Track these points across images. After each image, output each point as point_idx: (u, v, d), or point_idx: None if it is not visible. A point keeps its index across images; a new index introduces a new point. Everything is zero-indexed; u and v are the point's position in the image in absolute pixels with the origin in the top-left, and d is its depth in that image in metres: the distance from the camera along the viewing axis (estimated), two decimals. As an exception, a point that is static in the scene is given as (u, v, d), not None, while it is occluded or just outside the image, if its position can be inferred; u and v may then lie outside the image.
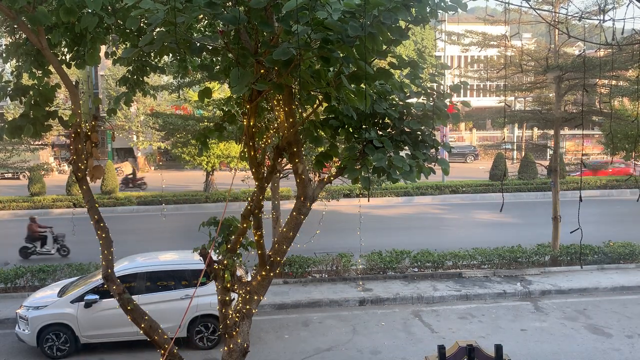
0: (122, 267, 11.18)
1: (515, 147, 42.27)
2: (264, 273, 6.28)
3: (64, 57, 6.86)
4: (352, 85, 4.84)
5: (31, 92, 6.65)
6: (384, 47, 4.77)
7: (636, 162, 27.65)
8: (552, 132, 17.81)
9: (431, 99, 5.90)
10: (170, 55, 6.12)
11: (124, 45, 6.73)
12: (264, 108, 6.52)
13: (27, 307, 11.00)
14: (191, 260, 11.21)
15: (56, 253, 18.25)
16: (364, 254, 15.52)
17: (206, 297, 10.75)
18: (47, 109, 6.72)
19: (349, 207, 19.89)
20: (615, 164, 31.71)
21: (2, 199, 26.51)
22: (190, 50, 4.67)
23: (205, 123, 18.29)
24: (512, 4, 5.71)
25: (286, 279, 14.60)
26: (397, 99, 5.98)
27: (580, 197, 5.47)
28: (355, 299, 13.42)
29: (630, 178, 22.74)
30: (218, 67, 6.68)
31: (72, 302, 10.80)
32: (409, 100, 6.02)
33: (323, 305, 13.23)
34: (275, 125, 6.57)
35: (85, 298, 10.67)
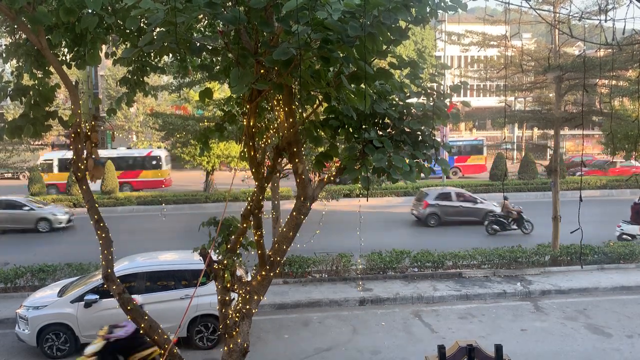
0: (122, 267, 11.17)
1: (515, 147, 42.33)
2: (264, 273, 6.28)
3: (64, 58, 6.85)
4: (352, 85, 4.84)
5: (31, 93, 6.65)
6: (384, 47, 4.77)
7: (636, 162, 27.67)
8: (552, 132, 17.81)
9: (431, 99, 5.90)
10: (170, 55, 6.11)
11: (124, 45, 6.73)
12: (264, 108, 6.52)
13: (27, 307, 10.99)
14: (191, 260, 11.20)
15: None
16: (364, 254, 15.51)
17: (206, 297, 10.74)
18: (47, 109, 6.73)
19: (349, 207, 19.89)
20: (623, 163, 31.79)
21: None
22: (190, 50, 4.68)
23: (206, 123, 18.30)
24: (512, 4, 5.70)
25: (286, 279, 14.59)
26: (397, 99, 5.98)
27: (581, 197, 5.47)
28: (355, 299, 13.42)
29: (631, 178, 22.74)
30: (218, 67, 6.69)
31: (72, 302, 10.79)
32: (409, 100, 6.01)
33: (323, 305, 13.23)
34: (275, 125, 6.57)
35: (85, 298, 10.66)
